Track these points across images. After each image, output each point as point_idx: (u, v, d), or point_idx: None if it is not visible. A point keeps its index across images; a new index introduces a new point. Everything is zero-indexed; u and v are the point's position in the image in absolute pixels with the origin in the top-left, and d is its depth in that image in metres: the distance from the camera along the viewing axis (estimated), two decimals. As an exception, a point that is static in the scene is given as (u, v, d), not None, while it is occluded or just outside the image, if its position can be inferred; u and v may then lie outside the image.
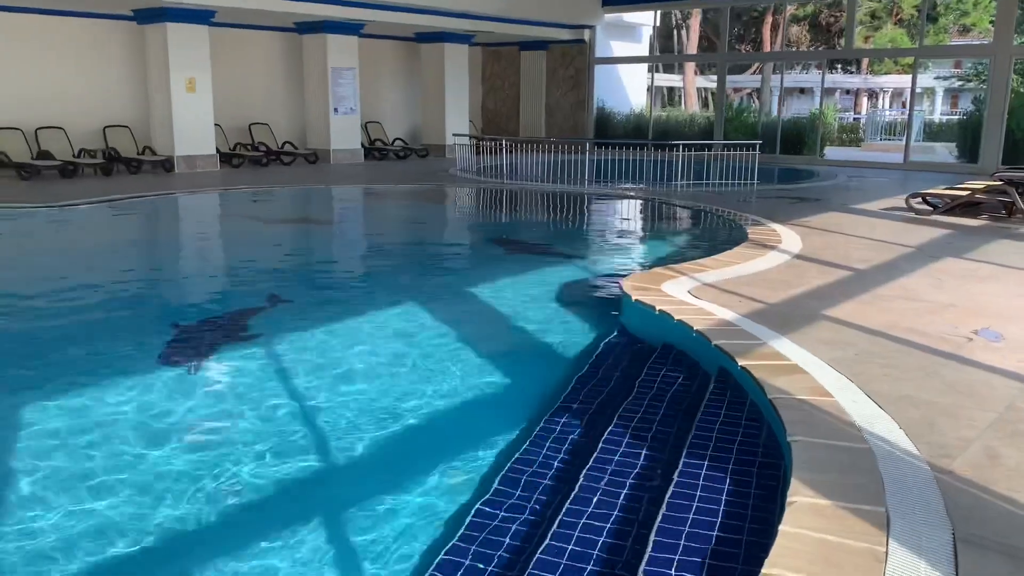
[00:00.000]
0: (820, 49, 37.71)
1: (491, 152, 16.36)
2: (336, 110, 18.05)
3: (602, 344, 5.53)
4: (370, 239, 10.50)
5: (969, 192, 10.69)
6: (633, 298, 5.89)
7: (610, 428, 3.95)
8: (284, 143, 18.20)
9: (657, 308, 5.58)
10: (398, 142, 20.63)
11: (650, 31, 24.35)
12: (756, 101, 34.83)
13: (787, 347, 4.75)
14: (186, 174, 15.42)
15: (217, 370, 5.05)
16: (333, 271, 8.18)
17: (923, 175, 17.35)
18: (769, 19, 37.38)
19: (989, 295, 6.25)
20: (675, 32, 40.81)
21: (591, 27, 22.22)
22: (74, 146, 15.19)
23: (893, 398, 3.99)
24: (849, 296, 6.14)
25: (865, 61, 46.70)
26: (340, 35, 17.84)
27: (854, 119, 37.08)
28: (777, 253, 7.77)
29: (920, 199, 11.15)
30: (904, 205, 11.22)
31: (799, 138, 20.13)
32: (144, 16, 15.30)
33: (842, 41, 37.15)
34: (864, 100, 49.58)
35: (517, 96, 23.76)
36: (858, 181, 15.86)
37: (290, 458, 3.91)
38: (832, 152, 21.89)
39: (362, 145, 19.30)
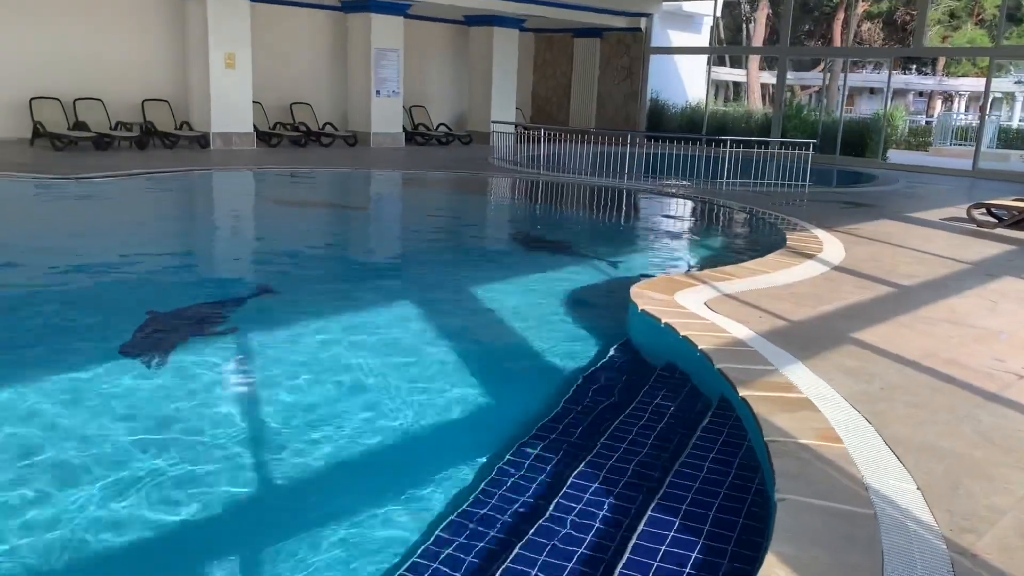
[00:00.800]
0: (893, 47, 36.03)
1: (531, 141, 15.81)
2: (378, 92, 17.66)
3: (601, 360, 4.96)
4: (384, 228, 10.02)
5: (1039, 205, 9.80)
6: (639, 308, 5.31)
7: (579, 469, 3.39)
8: (325, 124, 17.88)
9: (663, 321, 5.00)
10: (442, 127, 20.17)
11: (710, 21, 23.42)
12: (824, 99, 33.44)
13: (801, 376, 4.14)
14: (221, 151, 15.20)
15: (176, 366, 4.62)
16: (334, 261, 7.72)
17: (992, 184, 16.28)
18: (841, 15, 35.93)
19: (1049, 324, 5.52)
20: (744, 26, 39.56)
21: (648, 15, 21.45)
22: (112, 118, 15.07)
23: (914, 447, 3.37)
24: (886, 317, 5.47)
25: (941, 62, 44.76)
26: (385, 15, 17.43)
27: (926, 122, 35.52)
28: (815, 263, 7.09)
29: (984, 210, 10.28)
30: (965, 216, 10.36)
31: (861, 140, 19.10)
32: (185, -11, 15.12)
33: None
34: (938, 102, 47.59)
35: (569, 84, 23.12)
36: (920, 187, 14.91)
37: (225, 472, 3.47)
38: (897, 156, 20.78)
39: (404, 129, 18.90)
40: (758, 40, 34.90)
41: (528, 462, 3.57)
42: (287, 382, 4.47)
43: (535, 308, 6.14)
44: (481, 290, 6.60)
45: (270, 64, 17.20)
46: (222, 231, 9.26)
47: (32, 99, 14.27)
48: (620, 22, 21.37)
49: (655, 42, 21.81)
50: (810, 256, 7.33)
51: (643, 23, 21.51)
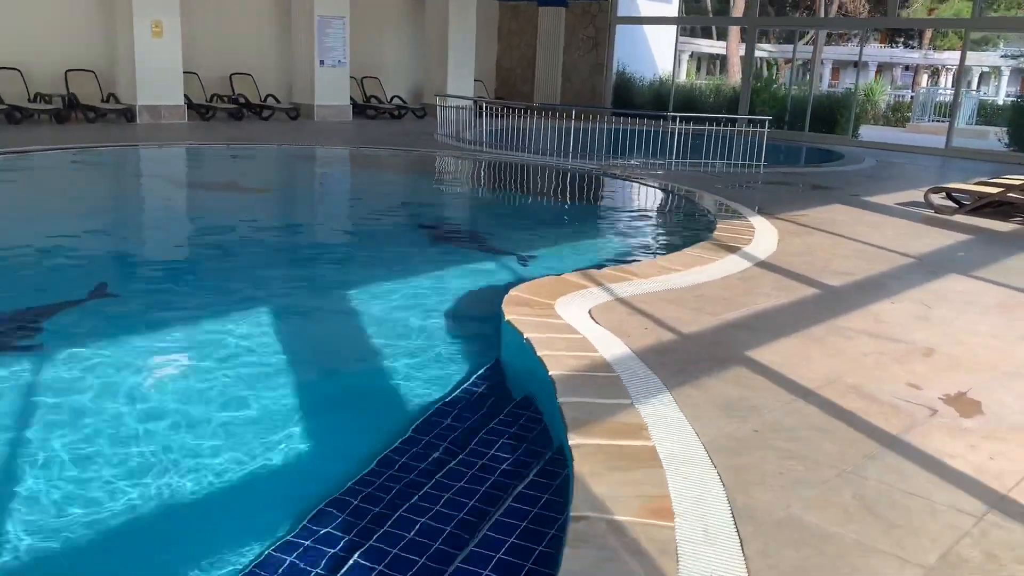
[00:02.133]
0: (869, 19, 35.00)
1: (482, 116, 14.90)
2: (322, 62, 16.71)
3: (457, 390, 4.14)
4: (277, 212, 8.87)
5: (1001, 189, 9.03)
6: (506, 317, 4.54)
7: (356, 556, 2.61)
8: (267, 96, 16.93)
9: (524, 335, 4.23)
10: (396, 100, 19.25)
11: (682, -9, 22.44)
12: (809, 72, 32.44)
13: (662, 413, 3.38)
14: (147, 125, 14.28)
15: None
16: (196, 255, 6.76)
17: (966, 163, 15.52)
18: (824, -15, 34.82)
19: (985, 336, 4.76)
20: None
21: (614, -17, 20.50)
22: (32, 89, 14.12)
23: (770, 523, 2.62)
24: (797, 327, 4.71)
25: (927, 35, 43.79)
26: (329, -20, 16.48)
27: (912, 97, 34.66)
28: (737, 258, 6.31)
29: (943, 194, 9.51)
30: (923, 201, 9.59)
31: (832, 115, 18.25)
32: (108, -50, 14.11)
33: (900, 12, 34.58)
34: (924, 77, 46.66)
35: (534, 56, 22.15)
36: (888, 167, 14.12)
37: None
38: (871, 132, 19.96)
39: (352, 102, 17.96)
40: (739, 11, 33.86)
41: (306, 543, 2.77)
42: (67, 422, 3.66)
43: (411, 320, 5.26)
44: (355, 296, 5.72)
45: (208, 32, 16.23)
46: (85, 218, 7.89)
47: (-60, 69, 13.31)
48: (585, -10, 20.45)
49: (622, 11, 20.86)
50: (734, 249, 6.55)
51: (609, -9, 20.56)
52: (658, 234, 8.16)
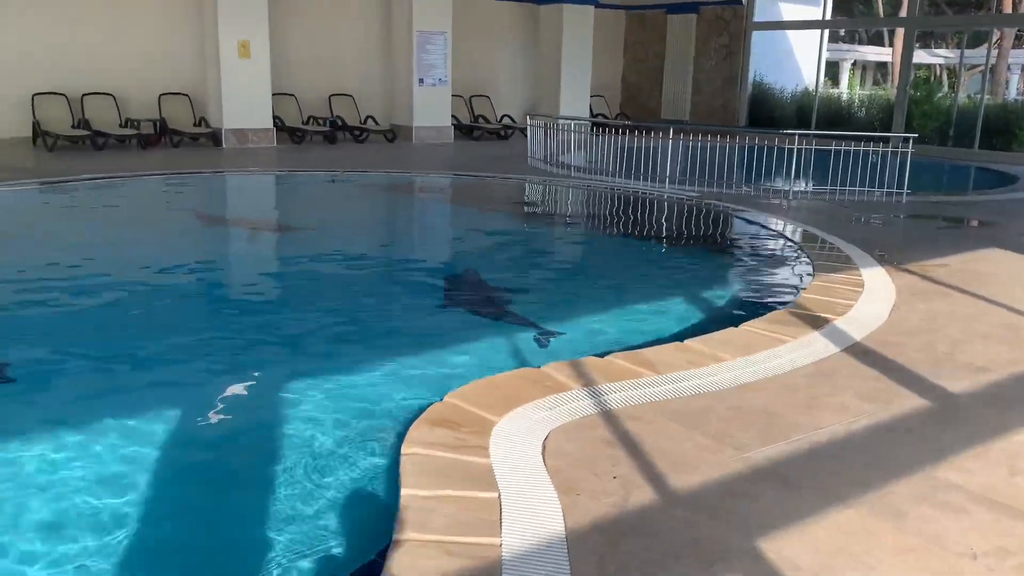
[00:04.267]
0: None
1: (600, 135, 13.27)
2: (421, 81, 15.70)
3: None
4: (281, 259, 7.44)
5: None
6: (404, 451, 3.06)
7: None
8: (366, 118, 16.11)
9: (401, 492, 2.75)
10: (506, 119, 18.01)
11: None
12: (980, 80, 28.59)
13: None
14: (233, 150, 13.71)
15: None
16: (138, 320, 5.31)
17: None
18: (1012, -19, 30.74)
19: None
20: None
21: (750, -15, 18.45)
22: (127, 115, 13.90)
23: None
24: (866, 481, 2.96)
25: None
26: (430, -7, 15.49)
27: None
28: (820, 337, 4.51)
29: None
30: (1119, 243, 7.25)
31: (1009, 128, 15.38)
32: (195, -30, 13.70)
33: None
34: None
35: (662, 68, 20.36)
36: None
37: None
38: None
39: (456, 122, 16.86)
40: (904, 10, 30.46)
41: None
42: None
43: (325, 448, 3.56)
44: (293, 393, 4.17)
45: (306, 52, 15.63)
46: (46, 270, 6.45)
47: (34, 95, 13.24)
48: (717, -6, 18.53)
49: (760, 16, 18.73)
50: (822, 323, 4.73)
51: (744, -6, 18.52)
52: (728, 295, 6.21)
